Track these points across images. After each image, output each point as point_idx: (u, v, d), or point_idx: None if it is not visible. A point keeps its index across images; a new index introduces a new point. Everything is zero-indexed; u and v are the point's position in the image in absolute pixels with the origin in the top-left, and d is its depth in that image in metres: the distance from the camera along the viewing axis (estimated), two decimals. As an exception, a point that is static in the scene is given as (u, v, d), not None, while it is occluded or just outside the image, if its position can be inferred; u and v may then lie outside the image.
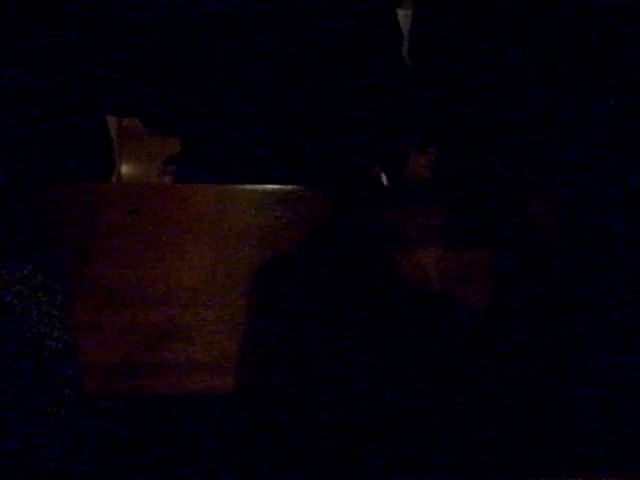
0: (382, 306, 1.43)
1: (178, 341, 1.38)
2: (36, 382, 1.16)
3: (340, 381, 1.42)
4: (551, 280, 1.47)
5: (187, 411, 1.39)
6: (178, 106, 1.55)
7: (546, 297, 1.47)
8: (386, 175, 1.85)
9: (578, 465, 1.39)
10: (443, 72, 1.67)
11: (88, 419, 1.19)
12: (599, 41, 1.60)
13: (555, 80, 1.61)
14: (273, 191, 1.42)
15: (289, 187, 1.42)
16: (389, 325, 1.43)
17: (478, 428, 1.42)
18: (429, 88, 1.68)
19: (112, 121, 3.04)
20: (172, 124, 1.62)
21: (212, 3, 1.53)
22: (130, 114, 1.69)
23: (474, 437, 1.42)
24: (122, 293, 1.37)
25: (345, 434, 1.41)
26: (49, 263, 1.21)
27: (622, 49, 1.58)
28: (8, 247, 1.18)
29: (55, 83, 1.44)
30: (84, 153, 1.50)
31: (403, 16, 1.78)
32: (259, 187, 1.42)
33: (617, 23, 1.59)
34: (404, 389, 1.43)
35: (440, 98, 1.68)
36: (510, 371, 1.45)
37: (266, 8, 1.52)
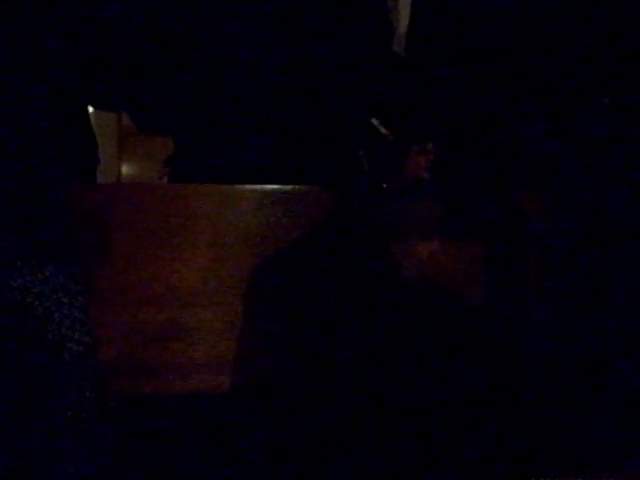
0: (381, 304, 1.43)
1: (178, 341, 1.38)
2: (57, 385, 1.15)
3: (340, 380, 1.42)
4: (546, 276, 1.48)
5: (187, 411, 1.39)
6: (175, 111, 1.56)
7: (542, 294, 1.48)
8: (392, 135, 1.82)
9: (578, 465, 1.39)
10: (440, 72, 1.67)
11: (107, 422, 1.18)
12: (594, 40, 1.60)
13: (552, 79, 1.62)
14: (273, 191, 1.42)
15: (289, 187, 1.43)
16: (388, 323, 1.43)
17: (478, 428, 1.42)
18: (426, 87, 1.68)
19: (112, 121, 3.03)
20: (168, 127, 1.62)
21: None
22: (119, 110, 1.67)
23: (474, 437, 1.42)
24: (122, 293, 1.37)
25: (345, 433, 1.41)
26: (69, 264, 1.19)
27: (619, 46, 1.58)
28: (29, 248, 1.17)
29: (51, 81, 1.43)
30: (67, 149, 1.48)
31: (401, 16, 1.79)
32: (259, 187, 1.42)
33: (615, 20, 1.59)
34: (402, 384, 1.43)
35: (437, 97, 1.68)
36: (509, 368, 1.45)
37: (260, 12, 1.52)
